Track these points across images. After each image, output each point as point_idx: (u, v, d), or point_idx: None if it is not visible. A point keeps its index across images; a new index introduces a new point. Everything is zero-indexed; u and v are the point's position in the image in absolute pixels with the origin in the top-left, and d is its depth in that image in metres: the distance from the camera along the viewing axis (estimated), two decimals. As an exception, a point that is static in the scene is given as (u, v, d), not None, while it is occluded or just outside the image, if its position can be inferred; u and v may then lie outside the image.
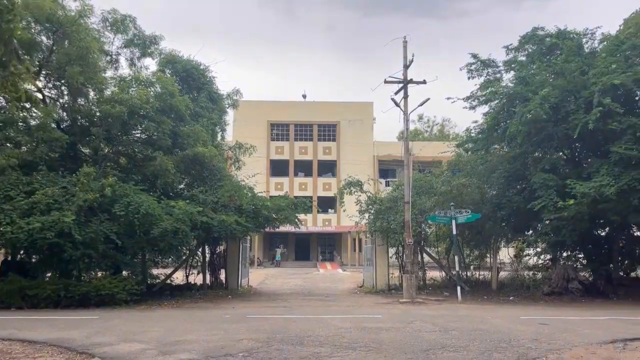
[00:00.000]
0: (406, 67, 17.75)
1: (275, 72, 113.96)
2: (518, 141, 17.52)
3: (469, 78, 21.63)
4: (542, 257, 19.82)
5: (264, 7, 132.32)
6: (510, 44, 20.87)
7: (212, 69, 22.90)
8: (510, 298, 18.08)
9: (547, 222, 18.19)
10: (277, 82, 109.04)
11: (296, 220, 20.89)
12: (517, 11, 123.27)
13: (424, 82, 17.66)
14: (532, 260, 21.42)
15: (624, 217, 17.14)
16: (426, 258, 22.41)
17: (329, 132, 51.02)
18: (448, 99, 21.01)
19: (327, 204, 48.45)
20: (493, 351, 8.81)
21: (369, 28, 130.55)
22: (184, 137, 18.88)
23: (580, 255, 20.76)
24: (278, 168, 50.39)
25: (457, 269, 17.38)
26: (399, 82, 17.70)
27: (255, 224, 19.44)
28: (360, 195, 21.76)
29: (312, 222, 47.21)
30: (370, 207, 21.30)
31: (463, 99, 20.77)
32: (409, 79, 17.56)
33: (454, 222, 17.05)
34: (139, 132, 19.48)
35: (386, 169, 51.43)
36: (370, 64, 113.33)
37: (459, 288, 16.67)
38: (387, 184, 45.28)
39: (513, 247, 22.35)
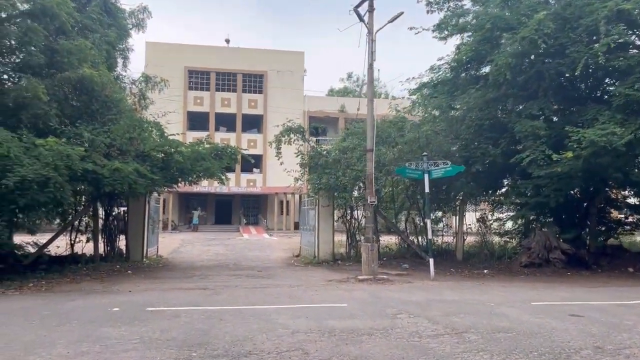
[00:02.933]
0: (372, -29, 13.43)
1: (194, 22, 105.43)
2: (507, 77, 13.93)
3: (427, 12, 18.25)
4: (519, 221, 16.69)
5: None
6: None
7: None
8: (485, 271, 14.79)
9: (530, 179, 14.98)
10: (196, 33, 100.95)
11: (220, 174, 16.36)
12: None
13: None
14: (507, 226, 18.30)
15: (626, 174, 14.23)
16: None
17: (255, 82, 45.75)
18: (411, 29, 17.39)
19: (252, 163, 43.49)
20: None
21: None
22: (64, 55, 13.56)
23: (551, 220, 17.87)
24: (196, 121, 44.58)
25: (429, 236, 13.65)
26: (364, -11, 13.38)
27: (165, 176, 14.63)
28: (301, 145, 17.51)
29: (234, 182, 42.47)
30: (315, 160, 17.09)
31: (432, 27, 17.06)
32: (377, -16, 13.25)
33: (426, 176, 13.24)
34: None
35: (317, 127, 47.30)
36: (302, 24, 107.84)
37: (431, 261, 13.02)
38: (318, 142, 41.25)
39: (480, 210, 19.08)
